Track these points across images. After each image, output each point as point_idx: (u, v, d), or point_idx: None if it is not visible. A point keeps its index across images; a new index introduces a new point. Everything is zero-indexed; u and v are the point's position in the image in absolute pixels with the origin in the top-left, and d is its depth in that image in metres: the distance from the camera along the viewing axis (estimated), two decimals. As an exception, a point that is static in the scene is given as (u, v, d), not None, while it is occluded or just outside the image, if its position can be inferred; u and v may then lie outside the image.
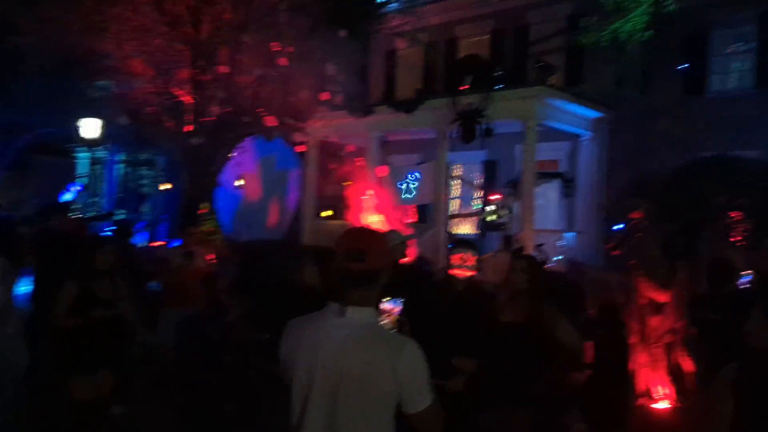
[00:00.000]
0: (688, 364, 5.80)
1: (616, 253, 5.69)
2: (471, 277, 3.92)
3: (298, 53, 11.57)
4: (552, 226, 13.20)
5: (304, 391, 1.95)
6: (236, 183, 15.95)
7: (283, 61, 11.22)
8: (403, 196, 13.87)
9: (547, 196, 13.33)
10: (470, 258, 3.88)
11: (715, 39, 12.76)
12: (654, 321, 5.91)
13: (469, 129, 11.41)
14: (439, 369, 3.76)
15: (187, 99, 10.39)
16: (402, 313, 2.51)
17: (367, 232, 2.12)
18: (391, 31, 13.68)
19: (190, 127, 10.60)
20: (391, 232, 5.36)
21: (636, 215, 5.58)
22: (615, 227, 5.77)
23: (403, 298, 2.55)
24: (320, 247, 4.78)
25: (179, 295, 6.51)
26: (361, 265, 1.96)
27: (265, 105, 11.65)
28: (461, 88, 11.65)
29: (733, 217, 10.30)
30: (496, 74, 12.05)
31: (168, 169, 18.85)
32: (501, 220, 13.40)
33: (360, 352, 1.91)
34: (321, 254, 3.62)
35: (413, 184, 13.80)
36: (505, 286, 3.92)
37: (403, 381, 1.89)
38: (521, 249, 5.42)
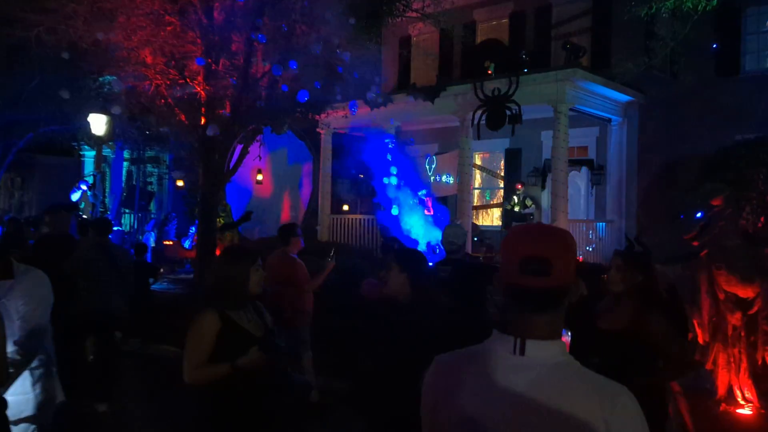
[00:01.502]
0: (774, 365, 5.28)
1: (696, 244, 5.15)
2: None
3: (314, 40, 11.02)
4: (581, 216, 12.69)
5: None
6: (257, 178, 15.41)
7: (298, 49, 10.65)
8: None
9: (575, 185, 12.81)
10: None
11: (749, 17, 12.21)
12: (734, 318, 5.39)
13: (497, 115, 10.86)
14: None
15: (200, 90, 9.81)
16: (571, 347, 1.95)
17: (548, 232, 1.52)
18: (409, 17, 13.09)
19: (204, 120, 10.04)
20: (455, 226, 4.79)
21: (717, 202, 5.04)
22: (696, 215, 5.21)
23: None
24: (405, 248, 4.19)
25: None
26: (544, 281, 1.40)
27: (280, 96, 11.09)
28: (488, 72, 11.09)
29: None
30: (521, 57, 11.49)
31: (175, 166, 18.29)
32: (527, 211, 12.87)
33: (556, 405, 1.36)
34: (406, 255, 3.03)
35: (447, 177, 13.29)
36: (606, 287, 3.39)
37: None
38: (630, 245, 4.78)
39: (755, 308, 5.16)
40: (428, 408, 1.56)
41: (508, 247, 1.49)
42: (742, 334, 5.34)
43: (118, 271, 5.82)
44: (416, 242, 11.81)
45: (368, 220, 13.58)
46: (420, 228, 12.40)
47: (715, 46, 12.44)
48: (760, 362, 5.30)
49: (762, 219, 9.59)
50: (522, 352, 1.41)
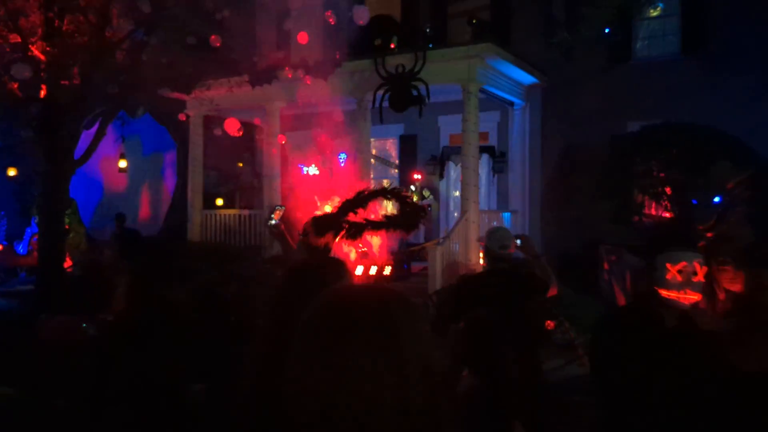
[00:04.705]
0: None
1: (710, 235, 4.28)
2: (694, 304, 2.21)
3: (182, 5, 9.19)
4: (483, 206, 11.94)
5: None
6: (120, 165, 13.03)
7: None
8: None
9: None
10: (700, 271, 2.18)
11: (640, 2, 12.11)
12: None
13: (402, 95, 9.71)
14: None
15: (38, 53, 7.60)
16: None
17: None
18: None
19: (44, 91, 7.84)
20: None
21: (731, 186, 4.21)
22: (713, 201, 4.34)
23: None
24: None
25: None
26: None
27: (141, 70, 9.09)
28: (391, 46, 9.89)
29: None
30: (425, 32, 10.43)
31: (2, 153, 15.17)
32: (424, 202, 11.92)
33: None
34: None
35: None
36: (744, 314, 2.29)
37: None
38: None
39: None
40: None
41: None
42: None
43: None
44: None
45: (252, 215, 11.88)
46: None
47: (607, 30, 12.24)
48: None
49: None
50: None
